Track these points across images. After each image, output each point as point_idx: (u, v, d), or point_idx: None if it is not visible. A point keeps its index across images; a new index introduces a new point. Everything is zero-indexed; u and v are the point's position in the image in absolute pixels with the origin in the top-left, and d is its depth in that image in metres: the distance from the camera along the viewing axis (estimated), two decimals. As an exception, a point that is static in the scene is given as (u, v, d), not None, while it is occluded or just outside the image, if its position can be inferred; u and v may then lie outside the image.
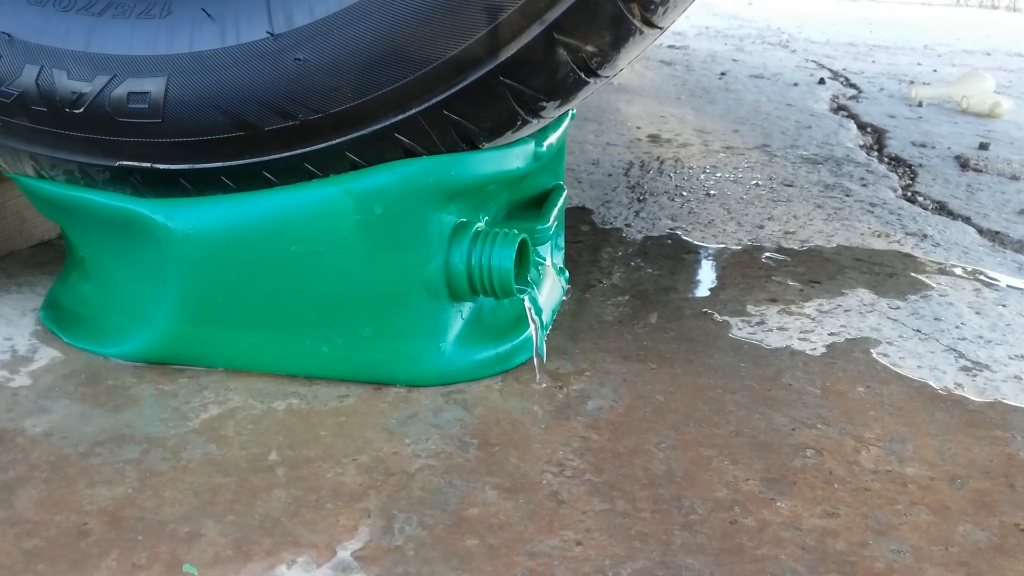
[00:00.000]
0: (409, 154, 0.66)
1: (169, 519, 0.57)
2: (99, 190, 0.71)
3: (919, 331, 0.85)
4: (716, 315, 0.88)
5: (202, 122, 0.66)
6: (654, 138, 1.59)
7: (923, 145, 1.60)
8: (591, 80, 0.66)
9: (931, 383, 0.76)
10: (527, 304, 0.72)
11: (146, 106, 0.66)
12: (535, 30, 0.61)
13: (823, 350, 0.81)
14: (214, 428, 0.66)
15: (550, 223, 0.79)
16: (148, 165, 0.69)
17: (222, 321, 0.70)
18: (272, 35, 0.63)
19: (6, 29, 0.67)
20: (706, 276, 0.99)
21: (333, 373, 0.72)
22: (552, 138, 0.76)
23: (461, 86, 0.63)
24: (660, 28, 0.66)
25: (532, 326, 0.73)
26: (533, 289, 0.72)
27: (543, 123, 0.70)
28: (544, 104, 0.66)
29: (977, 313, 0.90)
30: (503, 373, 0.74)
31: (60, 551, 0.53)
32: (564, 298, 0.79)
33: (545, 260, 0.82)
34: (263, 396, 0.70)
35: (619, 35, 0.63)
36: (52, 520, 0.56)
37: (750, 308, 0.90)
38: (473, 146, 0.67)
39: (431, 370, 0.71)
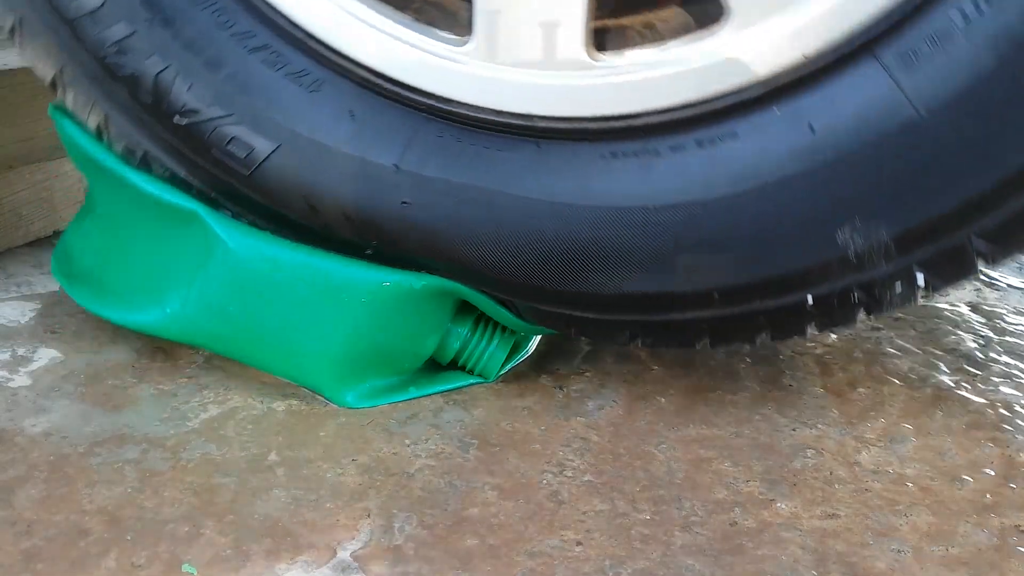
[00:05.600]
0: None
1: (169, 519, 0.56)
2: (153, 178, 0.71)
3: (920, 331, 0.85)
4: (716, 315, 0.88)
5: None
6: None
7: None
8: None
9: (931, 383, 0.76)
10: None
11: None
12: None
13: (823, 350, 0.81)
14: (214, 428, 0.66)
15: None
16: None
17: (230, 327, 0.70)
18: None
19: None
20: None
21: (298, 383, 0.73)
22: None
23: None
24: None
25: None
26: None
27: None
28: None
29: (977, 313, 0.90)
30: (503, 373, 0.74)
31: (59, 551, 0.53)
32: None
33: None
34: (263, 396, 0.70)
35: None
36: (51, 520, 0.56)
37: (750, 308, 0.90)
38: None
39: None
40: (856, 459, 0.66)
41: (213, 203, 0.70)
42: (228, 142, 0.67)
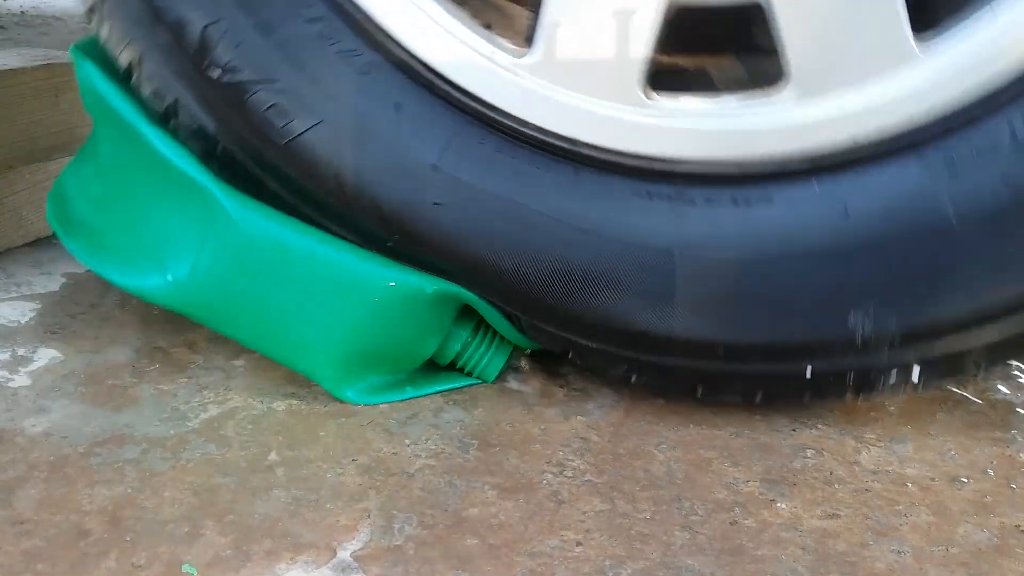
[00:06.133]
0: None
1: (169, 519, 0.56)
2: (170, 139, 0.69)
3: (919, 331, 0.85)
4: (716, 315, 0.88)
5: None
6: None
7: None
8: None
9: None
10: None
11: None
12: None
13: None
14: (214, 428, 0.66)
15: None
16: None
17: (233, 305, 0.69)
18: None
19: None
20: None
21: (297, 371, 0.72)
22: None
23: None
24: None
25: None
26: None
27: None
28: None
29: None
30: (503, 374, 0.74)
31: (60, 551, 0.53)
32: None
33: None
34: (263, 396, 0.70)
35: None
36: (52, 520, 0.56)
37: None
38: None
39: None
40: (856, 459, 0.66)
41: (230, 171, 0.68)
42: (267, 108, 0.65)
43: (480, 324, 0.72)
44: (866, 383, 0.67)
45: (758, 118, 0.63)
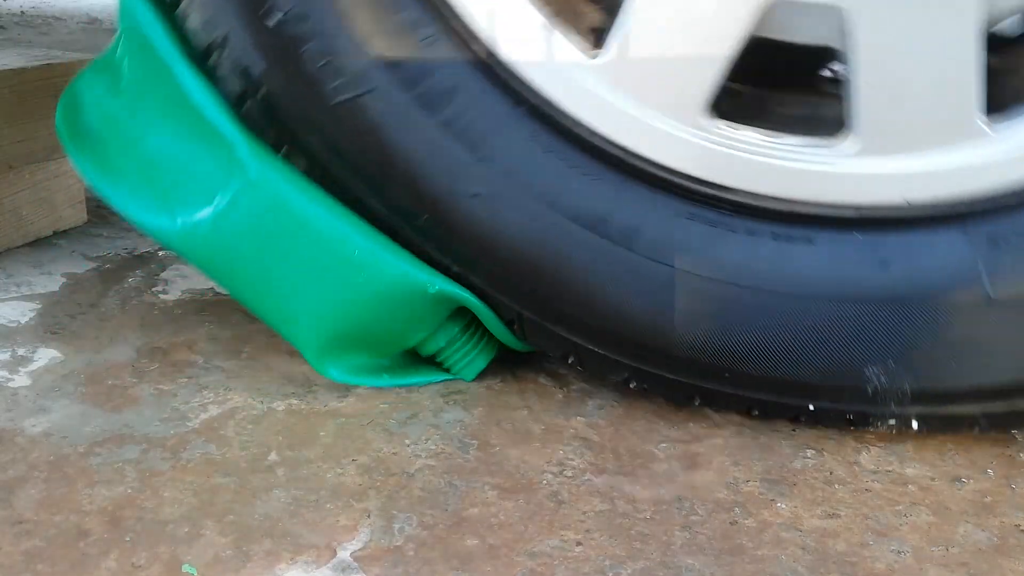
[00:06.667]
0: None
1: (169, 519, 0.56)
2: (206, 85, 0.67)
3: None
4: (716, 315, 0.88)
5: None
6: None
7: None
8: None
9: (931, 383, 0.76)
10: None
11: None
12: None
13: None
14: (214, 428, 0.66)
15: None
16: None
17: (236, 262, 0.69)
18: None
19: None
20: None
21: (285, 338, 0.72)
22: None
23: None
24: None
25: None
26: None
27: None
28: None
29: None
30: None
31: (60, 551, 0.53)
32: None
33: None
34: (263, 396, 0.70)
35: None
36: (52, 520, 0.56)
37: (750, 308, 0.90)
38: None
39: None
40: (856, 459, 0.66)
41: (266, 119, 0.67)
42: (322, 64, 0.64)
43: (470, 325, 0.72)
44: (864, 423, 0.68)
45: (811, 162, 0.63)
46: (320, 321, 0.69)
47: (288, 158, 0.67)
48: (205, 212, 0.67)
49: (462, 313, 0.72)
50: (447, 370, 0.74)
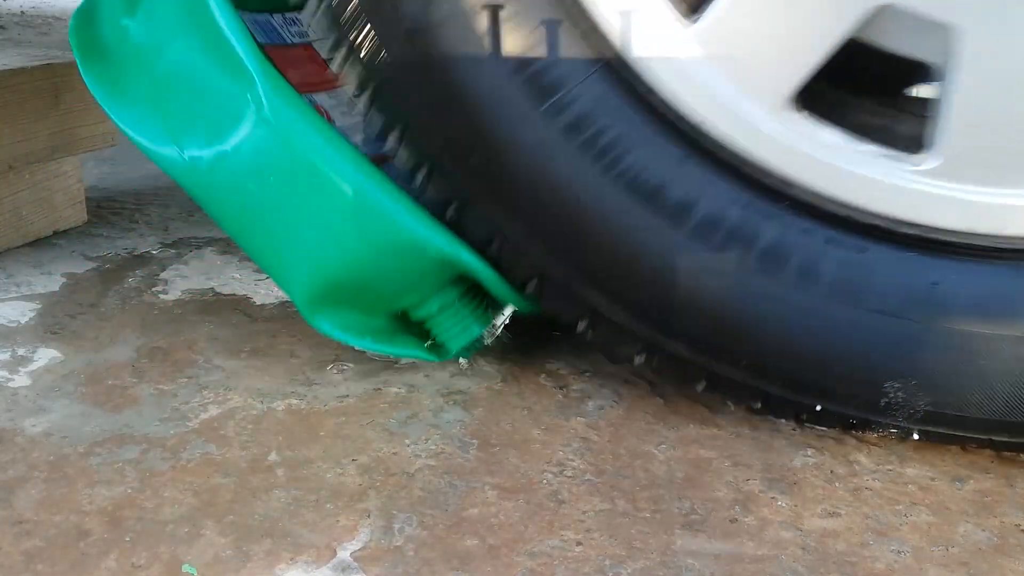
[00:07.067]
0: None
1: (169, 519, 0.56)
2: (230, 11, 0.64)
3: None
4: (716, 315, 0.88)
5: None
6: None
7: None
8: None
9: (931, 383, 0.76)
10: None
11: None
12: None
13: (823, 350, 0.81)
14: (214, 428, 0.66)
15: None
16: None
17: (241, 202, 0.68)
18: None
19: None
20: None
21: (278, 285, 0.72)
22: None
23: None
24: None
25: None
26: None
27: None
28: None
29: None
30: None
31: (59, 551, 0.53)
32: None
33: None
34: (263, 396, 0.70)
35: None
36: (51, 520, 0.56)
37: (750, 308, 0.90)
38: None
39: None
40: (856, 458, 0.66)
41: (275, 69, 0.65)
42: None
43: (465, 295, 0.72)
44: (865, 426, 0.68)
45: (884, 172, 0.63)
46: (317, 270, 0.67)
47: None
48: (214, 148, 0.66)
49: (461, 282, 0.71)
50: (433, 338, 0.73)
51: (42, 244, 0.97)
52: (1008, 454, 0.67)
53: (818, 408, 0.67)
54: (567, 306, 0.68)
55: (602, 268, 0.66)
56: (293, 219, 0.66)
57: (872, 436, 0.68)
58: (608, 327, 0.68)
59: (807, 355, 0.65)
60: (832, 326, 0.64)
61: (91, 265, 0.93)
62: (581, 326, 0.69)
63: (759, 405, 0.69)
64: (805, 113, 0.63)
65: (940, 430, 0.66)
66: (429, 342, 0.74)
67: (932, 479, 0.64)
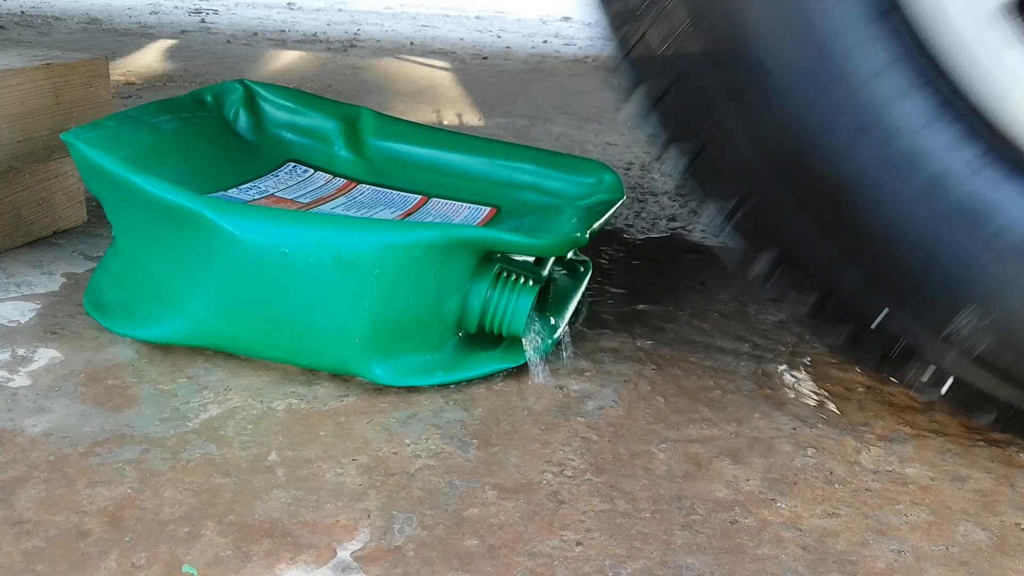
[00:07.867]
0: None
1: (169, 519, 0.56)
2: (157, 180, 0.71)
3: (919, 331, 0.85)
4: (717, 315, 0.88)
5: None
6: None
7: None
8: None
9: (931, 383, 0.76)
10: (527, 346, 0.74)
11: None
12: None
13: (823, 349, 0.81)
14: (214, 428, 0.66)
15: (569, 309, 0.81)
16: None
17: (253, 320, 0.71)
18: None
19: None
20: (707, 277, 0.99)
21: (326, 368, 0.73)
22: (596, 225, 0.79)
23: None
24: None
25: (531, 365, 0.75)
26: (535, 332, 0.75)
27: None
28: None
29: (977, 313, 0.90)
30: (504, 375, 0.74)
31: (59, 551, 0.53)
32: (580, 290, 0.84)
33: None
34: (263, 396, 0.70)
35: None
36: (51, 520, 0.56)
37: (751, 308, 0.90)
38: None
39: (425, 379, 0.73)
40: (856, 458, 0.66)
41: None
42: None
43: (499, 276, 0.73)
44: (904, 363, 0.64)
45: None
46: (347, 328, 0.69)
47: None
48: (209, 292, 0.71)
49: (486, 268, 0.72)
50: (498, 334, 0.74)
51: (42, 244, 0.97)
52: (1008, 454, 0.67)
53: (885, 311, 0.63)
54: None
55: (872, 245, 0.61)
56: (301, 302, 0.69)
57: (872, 436, 0.68)
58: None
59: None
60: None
61: (91, 265, 0.93)
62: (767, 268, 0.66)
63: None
64: None
65: (978, 383, 0.63)
66: (503, 345, 0.75)
67: (932, 479, 0.64)
